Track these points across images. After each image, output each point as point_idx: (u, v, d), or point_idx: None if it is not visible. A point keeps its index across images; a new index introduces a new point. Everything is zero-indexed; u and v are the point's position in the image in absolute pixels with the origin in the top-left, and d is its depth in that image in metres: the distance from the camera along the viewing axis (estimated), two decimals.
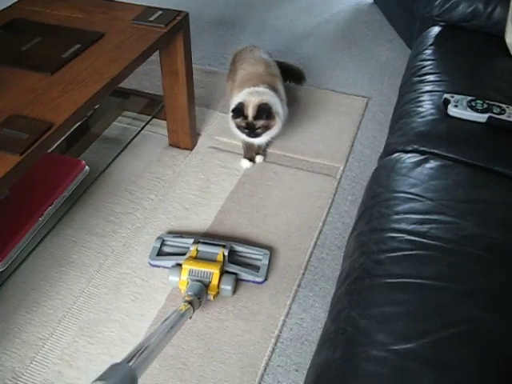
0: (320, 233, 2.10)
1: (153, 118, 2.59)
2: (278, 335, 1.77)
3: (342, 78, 3.02)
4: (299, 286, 1.91)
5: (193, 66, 2.30)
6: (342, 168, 2.39)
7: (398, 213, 1.33)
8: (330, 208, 2.20)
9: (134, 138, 2.51)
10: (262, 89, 2.20)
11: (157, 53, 2.15)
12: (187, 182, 2.32)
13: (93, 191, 2.26)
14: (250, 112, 2.11)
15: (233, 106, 2.17)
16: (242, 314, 1.82)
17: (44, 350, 1.73)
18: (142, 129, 2.55)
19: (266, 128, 2.16)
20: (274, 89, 2.24)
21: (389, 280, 1.17)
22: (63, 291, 1.89)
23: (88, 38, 1.95)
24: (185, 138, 2.46)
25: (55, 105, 1.63)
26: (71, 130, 2.36)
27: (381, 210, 1.36)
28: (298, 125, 2.65)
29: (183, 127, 2.42)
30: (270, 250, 2.01)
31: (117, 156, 2.42)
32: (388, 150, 1.64)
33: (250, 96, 2.15)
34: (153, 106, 2.63)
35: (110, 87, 1.77)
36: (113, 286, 1.90)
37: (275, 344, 1.75)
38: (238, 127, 2.17)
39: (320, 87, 2.92)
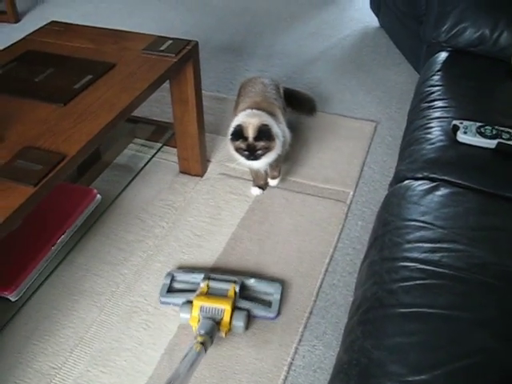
0: (331, 259, 2.10)
1: (163, 145, 2.61)
2: (291, 363, 1.76)
3: (350, 103, 3.04)
4: (311, 312, 1.91)
5: (202, 92, 2.33)
6: (351, 193, 2.40)
7: (409, 241, 1.34)
8: (340, 234, 2.21)
9: (145, 165, 2.54)
10: (258, 112, 2.20)
11: (167, 81, 2.18)
12: (198, 209, 2.33)
13: (104, 219, 2.27)
14: (251, 133, 2.11)
15: (231, 129, 2.18)
16: (254, 341, 1.82)
17: (56, 380, 1.73)
18: (153, 156, 2.57)
19: (267, 149, 2.15)
20: (269, 112, 2.25)
21: (402, 310, 1.17)
22: (75, 320, 1.89)
23: (99, 68, 1.98)
24: (195, 165, 2.48)
25: (68, 136, 1.66)
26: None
27: (392, 238, 1.37)
28: (307, 150, 2.66)
29: (193, 154, 2.44)
30: (282, 279, 2.01)
31: (128, 184, 2.44)
32: (398, 178, 1.65)
33: (248, 118, 2.15)
34: (163, 133, 2.66)
35: (122, 117, 1.79)
36: (125, 315, 1.91)
37: (288, 372, 1.74)
38: (237, 150, 2.17)
39: (329, 112, 2.93)
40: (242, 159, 2.19)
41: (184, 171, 2.52)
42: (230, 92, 3.12)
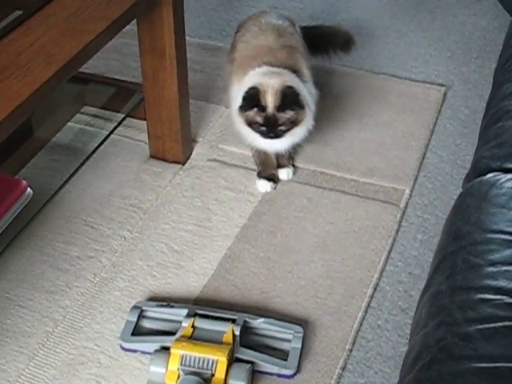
0: (375, 289, 2.10)
1: (127, 116, 2.62)
2: None
3: (407, 58, 3.03)
4: (344, 368, 1.91)
5: (186, 39, 2.33)
6: (408, 192, 2.40)
7: (493, 263, 1.33)
8: (390, 252, 2.21)
9: (99, 146, 2.54)
10: (277, 69, 2.22)
11: (133, 22, 2.18)
12: (177, 212, 2.34)
13: (37, 225, 2.28)
14: (270, 100, 2.13)
15: (239, 94, 2.18)
16: None
17: None
18: (111, 133, 2.57)
19: (293, 124, 2.17)
20: (291, 67, 2.26)
21: (480, 364, 1.16)
22: None
23: (33, 0, 1.98)
24: (174, 147, 2.49)
25: None
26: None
27: (468, 258, 1.36)
28: (340, 127, 2.66)
29: (172, 131, 2.45)
30: (302, 318, 2.01)
31: (73, 173, 2.44)
32: (478, 168, 1.65)
33: (266, 78, 2.17)
34: (126, 99, 2.66)
35: (65, 74, 1.80)
36: (66, 367, 1.90)
37: None
38: (251, 124, 2.19)
39: (374, 71, 2.93)
40: (255, 137, 2.19)
41: (157, 155, 2.53)
42: (226, 39, 3.12)
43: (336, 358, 1.93)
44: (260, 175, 2.42)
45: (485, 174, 1.60)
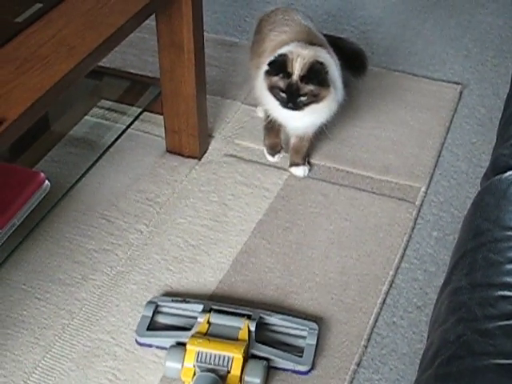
0: (391, 286, 2.11)
1: (144, 110, 2.62)
2: None
3: (423, 56, 3.03)
4: (360, 364, 1.91)
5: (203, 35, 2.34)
6: (423, 189, 2.40)
7: None
8: (405, 249, 2.21)
9: (116, 140, 2.54)
10: (312, 46, 2.23)
11: (152, 17, 2.18)
12: (193, 206, 2.34)
13: (54, 218, 2.29)
14: (297, 68, 2.13)
15: (270, 58, 2.19)
16: None
17: None
18: (128, 127, 2.58)
19: (315, 98, 2.17)
20: (326, 49, 2.28)
21: (500, 361, 1.16)
22: (8, 364, 1.90)
23: None
24: (190, 142, 2.49)
25: (6, 91, 1.66)
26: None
27: (488, 255, 1.36)
28: (356, 124, 2.66)
29: (188, 125, 2.45)
30: (317, 315, 2.02)
31: (90, 167, 2.45)
32: (497, 167, 1.65)
33: (299, 48, 2.18)
34: (143, 93, 2.66)
35: (86, 67, 1.80)
36: (81, 359, 1.91)
37: None
38: (273, 88, 2.19)
39: (391, 68, 2.93)
40: (274, 105, 2.20)
41: (173, 150, 2.54)
42: (242, 34, 3.13)
43: (351, 354, 1.93)
44: (265, 144, 2.51)
45: (504, 172, 1.60)
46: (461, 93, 2.83)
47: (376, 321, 2.02)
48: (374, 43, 3.05)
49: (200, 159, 2.52)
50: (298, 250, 2.20)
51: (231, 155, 2.53)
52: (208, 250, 2.20)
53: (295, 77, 2.14)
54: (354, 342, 1.96)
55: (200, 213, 2.32)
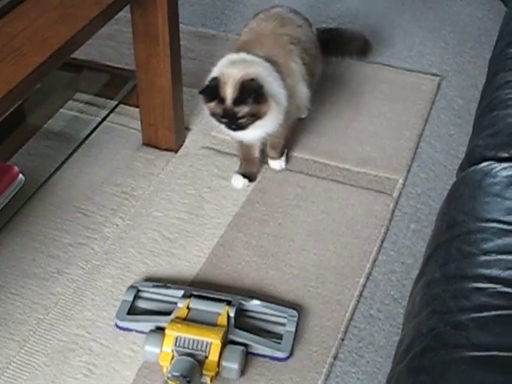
0: (368, 278, 2.10)
1: (119, 103, 2.60)
2: None
3: (401, 47, 3.03)
4: (336, 357, 1.91)
5: (179, 27, 2.33)
6: (401, 181, 2.40)
7: (487, 252, 1.33)
8: (382, 241, 2.21)
9: (92, 133, 2.52)
10: (249, 57, 2.18)
11: (127, 9, 2.17)
12: (170, 199, 2.34)
13: (29, 212, 2.27)
14: (229, 92, 2.09)
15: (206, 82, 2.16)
16: None
17: None
18: (104, 120, 2.56)
19: (255, 117, 2.13)
20: (269, 58, 2.21)
21: (473, 353, 1.16)
22: None
23: None
24: (167, 134, 2.49)
25: None
26: None
27: (462, 247, 1.36)
28: (334, 116, 2.66)
29: (165, 118, 2.45)
30: (296, 306, 2.01)
31: (65, 160, 2.43)
32: (472, 158, 1.65)
33: (230, 67, 2.13)
34: (119, 86, 2.65)
35: (59, 59, 1.79)
36: (56, 354, 1.90)
37: None
38: (213, 115, 2.16)
39: (368, 60, 2.91)
40: (222, 126, 2.18)
41: (150, 143, 2.53)
42: (220, 27, 3.12)
43: (328, 347, 1.93)
44: (238, 169, 2.40)
45: (479, 163, 1.60)
46: (439, 84, 2.83)
47: (353, 313, 2.01)
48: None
49: (176, 152, 2.51)
50: (275, 243, 2.20)
51: (208, 148, 2.52)
52: (184, 243, 2.19)
53: (229, 101, 2.09)
54: (330, 334, 1.96)
55: (176, 206, 2.31)
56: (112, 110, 2.59)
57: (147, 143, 2.53)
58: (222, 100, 2.09)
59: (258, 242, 2.20)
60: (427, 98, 2.75)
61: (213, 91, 2.10)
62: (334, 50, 2.71)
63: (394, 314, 2.01)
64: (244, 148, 2.38)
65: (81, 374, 1.86)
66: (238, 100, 2.08)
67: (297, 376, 1.86)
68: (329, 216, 2.28)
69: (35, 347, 1.92)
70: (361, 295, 2.06)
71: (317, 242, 2.20)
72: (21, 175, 2.23)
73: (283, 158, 2.44)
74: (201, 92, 2.13)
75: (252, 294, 2.03)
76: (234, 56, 2.19)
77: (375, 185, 2.39)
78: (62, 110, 2.63)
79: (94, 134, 2.53)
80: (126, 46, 2.83)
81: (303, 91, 2.34)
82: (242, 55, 2.18)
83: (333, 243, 2.20)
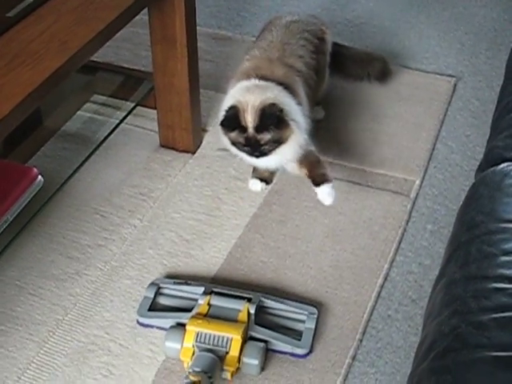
0: (385, 279, 2.10)
1: (137, 105, 2.61)
2: None
3: (417, 49, 3.03)
4: (354, 358, 1.91)
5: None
6: (418, 182, 2.40)
7: (507, 252, 1.33)
8: (400, 242, 2.21)
9: (109, 135, 2.53)
10: (262, 82, 2.13)
11: (144, 12, 2.18)
12: (187, 200, 2.34)
13: (47, 213, 2.28)
14: (250, 120, 2.04)
15: (223, 111, 2.10)
16: None
17: None
18: (121, 122, 2.57)
19: (278, 142, 2.07)
20: (283, 81, 2.16)
21: (495, 353, 1.16)
22: (2, 361, 1.89)
23: None
24: (184, 136, 2.49)
25: None
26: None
27: (482, 247, 1.36)
28: (351, 117, 2.66)
29: (182, 119, 2.45)
30: (315, 300, 2.02)
31: (83, 162, 2.44)
32: (491, 159, 1.65)
33: (246, 94, 2.08)
34: (136, 88, 2.66)
35: (77, 62, 1.80)
36: (75, 355, 1.91)
37: None
38: (234, 144, 2.11)
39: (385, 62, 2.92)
40: (242, 154, 2.13)
41: (167, 144, 2.53)
42: (236, 28, 3.12)
43: (346, 347, 1.93)
44: (253, 175, 2.37)
45: (498, 164, 1.60)
46: (455, 85, 2.82)
47: (371, 314, 2.01)
48: (367, 37, 3.04)
49: (194, 153, 2.51)
50: (293, 244, 2.20)
51: (225, 149, 2.51)
52: (202, 245, 2.20)
53: (251, 130, 2.04)
54: (349, 335, 1.96)
55: (194, 207, 2.32)
56: (129, 112, 2.60)
57: (164, 145, 2.54)
58: (243, 128, 2.05)
59: (276, 243, 2.21)
60: (443, 99, 2.75)
61: (233, 121, 2.05)
62: (352, 73, 2.70)
63: (411, 315, 2.01)
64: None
65: (100, 374, 1.87)
66: (260, 127, 2.03)
67: (315, 376, 1.86)
68: (346, 217, 2.28)
69: (54, 348, 1.93)
70: (379, 296, 2.06)
71: (334, 242, 2.20)
72: (39, 177, 2.24)
73: (331, 183, 2.19)
74: (221, 123, 2.08)
75: (269, 295, 2.03)
76: (245, 83, 2.14)
77: (392, 186, 2.39)
78: (79, 112, 2.64)
79: (111, 136, 2.53)
80: (143, 48, 2.85)
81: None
82: (254, 81, 2.13)
83: (350, 244, 2.20)
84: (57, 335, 1.96)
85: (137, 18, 2.07)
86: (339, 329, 1.97)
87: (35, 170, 2.24)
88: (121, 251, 2.18)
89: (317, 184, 2.18)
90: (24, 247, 2.18)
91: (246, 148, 2.08)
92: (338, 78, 2.68)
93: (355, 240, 2.21)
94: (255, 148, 2.07)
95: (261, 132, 2.03)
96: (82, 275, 2.11)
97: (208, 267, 2.13)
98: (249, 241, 2.21)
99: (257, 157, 2.10)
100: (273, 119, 2.02)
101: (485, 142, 1.87)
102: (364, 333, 1.97)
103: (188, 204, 2.33)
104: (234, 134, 2.07)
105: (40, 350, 1.92)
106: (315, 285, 2.08)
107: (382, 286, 2.08)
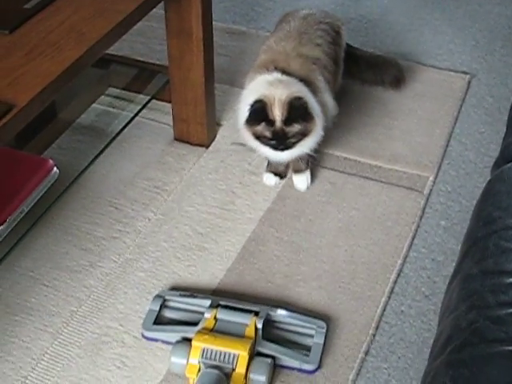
0: (399, 275, 2.10)
1: (152, 98, 2.62)
2: None
3: (431, 45, 3.02)
4: (368, 353, 1.91)
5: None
6: (431, 179, 2.40)
7: None
8: (413, 238, 2.21)
9: (124, 128, 2.55)
10: (284, 77, 2.16)
11: (160, 5, 2.18)
12: (201, 194, 2.35)
13: (62, 205, 2.29)
14: (278, 114, 2.06)
15: (246, 105, 2.11)
16: None
17: None
18: (136, 115, 2.58)
19: (303, 135, 2.12)
20: (301, 75, 2.20)
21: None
22: (16, 351, 1.91)
23: None
24: (198, 130, 2.49)
25: (15, 77, 1.67)
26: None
27: (500, 242, 1.36)
28: (365, 113, 2.66)
29: (197, 113, 2.45)
30: (326, 303, 2.02)
31: (97, 155, 2.45)
32: (508, 154, 1.64)
33: (272, 88, 2.10)
34: (151, 81, 2.67)
35: (96, 53, 1.80)
36: (89, 346, 1.92)
37: None
38: (259, 137, 2.13)
39: (398, 58, 2.90)
40: (265, 149, 2.15)
41: (181, 138, 2.54)
42: (250, 23, 3.13)
43: (359, 342, 1.93)
44: (267, 169, 2.40)
45: None
46: (469, 82, 2.82)
47: (384, 309, 2.02)
48: (381, 32, 3.04)
49: (208, 147, 2.52)
50: (306, 239, 2.21)
51: (239, 143, 2.52)
52: (216, 238, 2.20)
53: (278, 123, 2.06)
54: (362, 330, 1.96)
55: (208, 201, 2.32)
56: (144, 105, 2.61)
57: (179, 138, 2.54)
58: (270, 122, 2.07)
59: (290, 237, 2.21)
60: (457, 96, 2.75)
61: (260, 114, 2.07)
62: (365, 78, 2.71)
63: (424, 311, 2.01)
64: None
65: (114, 366, 1.87)
66: (289, 120, 2.06)
67: (328, 371, 1.86)
68: (360, 212, 2.29)
69: (69, 339, 1.94)
70: (392, 291, 2.06)
71: (348, 238, 2.21)
72: (55, 169, 2.24)
73: (308, 173, 2.38)
74: (248, 117, 2.09)
75: (282, 290, 2.05)
76: (268, 77, 2.16)
77: (406, 182, 2.39)
78: (94, 104, 2.65)
79: (126, 129, 2.55)
80: (157, 42, 2.86)
81: (329, 101, 2.33)
82: (275, 75, 2.16)
83: (364, 239, 2.20)
84: (71, 326, 1.97)
85: (152, 11, 2.07)
86: (353, 323, 1.97)
87: (51, 161, 2.24)
88: (135, 244, 2.19)
89: (295, 171, 2.36)
90: (39, 238, 2.19)
91: (272, 141, 2.10)
92: (351, 83, 2.70)
93: (369, 235, 2.21)
94: (281, 141, 2.10)
95: (289, 125, 2.07)
96: (96, 267, 2.12)
97: (222, 260, 2.13)
98: (263, 235, 2.22)
99: (282, 150, 2.12)
100: (301, 112, 2.07)
101: (499, 139, 1.87)
102: (377, 328, 1.97)
103: (202, 198, 2.33)
104: (260, 128, 2.09)
105: (54, 340, 1.93)
106: (328, 280, 2.08)
107: (395, 282, 2.09)
